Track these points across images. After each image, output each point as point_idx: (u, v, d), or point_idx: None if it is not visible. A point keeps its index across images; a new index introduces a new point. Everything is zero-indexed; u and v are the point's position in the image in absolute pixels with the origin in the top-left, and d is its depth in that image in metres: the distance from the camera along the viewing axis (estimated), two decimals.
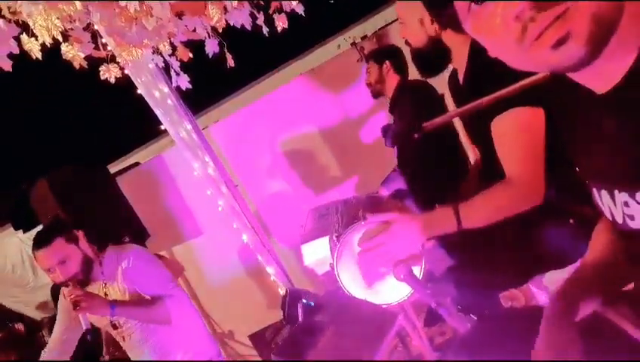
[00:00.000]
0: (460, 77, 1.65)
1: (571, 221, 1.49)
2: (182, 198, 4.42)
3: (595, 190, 0.90)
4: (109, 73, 2.83)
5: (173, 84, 3.21)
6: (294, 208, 4.32)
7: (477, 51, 1.55)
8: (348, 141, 4.43)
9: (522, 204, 1.48)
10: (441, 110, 2.85)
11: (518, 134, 1.47)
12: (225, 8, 2.85)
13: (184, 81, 3.17)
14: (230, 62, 3.11)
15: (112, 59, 2.85)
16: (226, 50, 3.05)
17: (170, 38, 2.87)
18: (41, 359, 2.45)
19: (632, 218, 0.82)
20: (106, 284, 2.35)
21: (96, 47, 2.70)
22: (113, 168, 4.84)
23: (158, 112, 3.31)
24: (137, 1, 2.02)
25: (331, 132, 4.47)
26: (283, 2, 2.96)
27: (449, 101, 2.29)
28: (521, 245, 1.57)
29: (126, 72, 3.01)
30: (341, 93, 4.40)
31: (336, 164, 4.51)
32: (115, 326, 2.37)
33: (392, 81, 3.17)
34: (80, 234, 2.36)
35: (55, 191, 3.36)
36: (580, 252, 1.40)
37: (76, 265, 2.29)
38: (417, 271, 1.52)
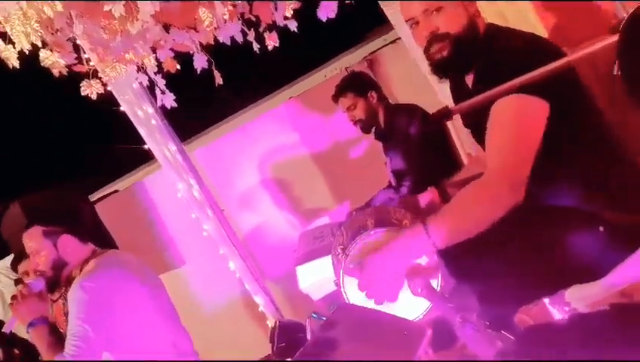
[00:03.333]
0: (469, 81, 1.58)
1: (601, 229, 1.36)
2: (164, 225, 4.27)
3: None
4: (90, 89, 2.70)
5: (158, 103, 3.09)
6: (282, 235, 4.18)
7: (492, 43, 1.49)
8: (337, 165, 4.36)
9: (500, 204, 1.33)
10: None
11: (513, 121, 1.35)
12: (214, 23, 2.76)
13: (169, 100, 3.05)
14: (218, 79, 3.00)
15: (95, 74, 2.72)
16: (213, 68, 2.95)
17: (155, 52, 2.76)
18: None
19: None
20: (66, 294, 2.09)
21: (79, 62, 2.59)
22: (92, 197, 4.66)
23: (141, 131, 3.19)
24: (123, 1, 1.89)
25: (320, 156, 4.40)
26: (276, 18, 2.87)
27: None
28: (541, 254, 1.44)
29: (109, 88, 2.88)
30: (329, 116, 4.33)
31: (325, 188, 4.42)
32: None
33: (381, 109, 3.16)
34: (65, 235, 2.16)
35: (29, 216, 3.15)
36: (609, 264, 1.27)
37: (44, 263, 2.14)
38: (434, 284, 1.37)
